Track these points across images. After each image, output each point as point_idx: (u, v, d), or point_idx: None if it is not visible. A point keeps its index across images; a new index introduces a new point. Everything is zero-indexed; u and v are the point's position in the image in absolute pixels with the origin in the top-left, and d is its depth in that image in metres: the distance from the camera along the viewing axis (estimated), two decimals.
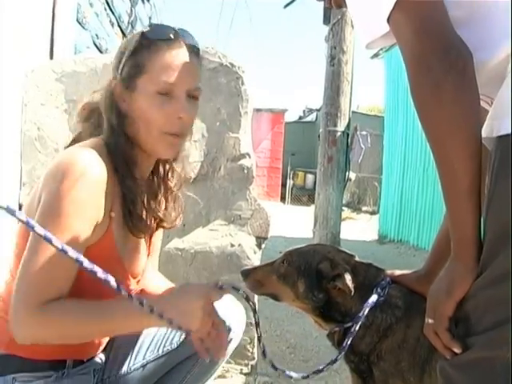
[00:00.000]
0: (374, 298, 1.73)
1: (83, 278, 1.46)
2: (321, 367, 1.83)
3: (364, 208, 18.77)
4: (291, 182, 22.19)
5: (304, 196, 21.42)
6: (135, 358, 1.89)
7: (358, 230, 12.48)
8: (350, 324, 1.75)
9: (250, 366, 3.12)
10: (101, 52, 4.66)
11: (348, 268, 1.78)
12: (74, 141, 1.67)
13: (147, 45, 1.55)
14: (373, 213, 16.67)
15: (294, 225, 11.65)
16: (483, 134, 1.17)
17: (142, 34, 1.57)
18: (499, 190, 1.12)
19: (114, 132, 1.58)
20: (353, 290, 1.72)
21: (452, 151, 1.15)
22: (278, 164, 21.97)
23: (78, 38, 4.08)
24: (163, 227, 1.84)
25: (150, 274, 1.94)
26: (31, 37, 3.25)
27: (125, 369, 1.88)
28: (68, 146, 1.65)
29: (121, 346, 1.87)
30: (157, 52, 1.55)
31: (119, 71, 1.58)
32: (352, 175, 17.90)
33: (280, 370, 1.80)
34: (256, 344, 3.12)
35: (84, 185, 1.41)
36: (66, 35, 3.72)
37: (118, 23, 5.46)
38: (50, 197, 1.42)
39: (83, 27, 4.20)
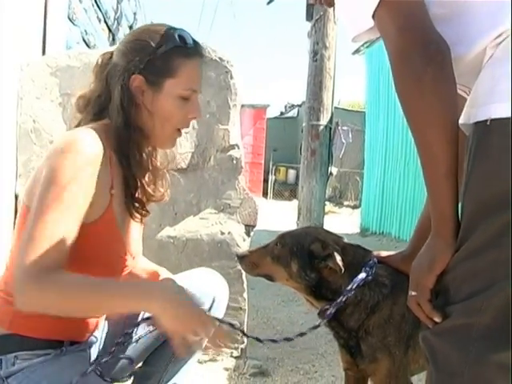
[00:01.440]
0: (362, 275, 1.83)
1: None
2: (305, 331, 1.94)
3: (346, 202, 18.83)
4: (273, 177, 22.18)
5: (286, 191, 21.44)
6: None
7: (340, 223, 12.54)
8: (339, 301, 1.84)
9: (240, 350, 3.23)
10: (89, 47, 4.72)
11: (338, 248, 1.87)
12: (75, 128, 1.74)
13: (182, 51, 1.68)
14: (354, 207, 16.72)
15: (277, 219, 11.70)
16: (461, 121, 1.26)
17: (177, 38, 1.68)
18: (476, 171, 1.21)
19: (125, 120, 1.66)
20: (343, 268, 1.81)
21: (432, 137, 1.24)
22: (260, 159, 21.95)
23: (69, 33, 4.14)
24: (153, 201, 1.91)
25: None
26: (25, 33, 3.31)
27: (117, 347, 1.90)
28: None
29: (114, 323, 1.94)
30: (189, 61, 1.69)
31: (143, 65, 1.65)
32: (334, 170, 17.92)
33: (257, 338, 1.91)
34: (246, 328, 3.22)
35: (79, 158, 1.51)
36: (58, 31, 3.78)
37: (104, 19, 5.52)
38: (48, 170, 1.51)
39: (73, 23, 4.26)
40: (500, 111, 1.16)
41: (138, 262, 2.02)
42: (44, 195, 1.48)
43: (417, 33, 1.22)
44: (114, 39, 6.00)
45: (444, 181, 1.26)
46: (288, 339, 1.95)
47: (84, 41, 4.67)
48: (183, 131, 1.82)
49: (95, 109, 1.72)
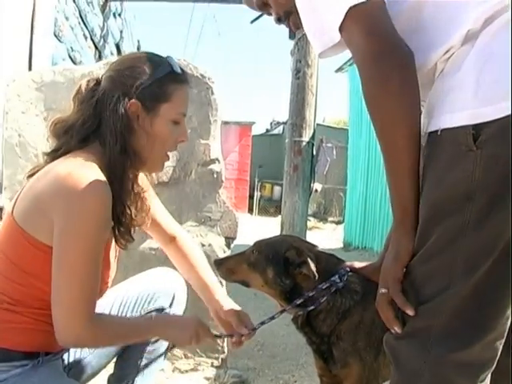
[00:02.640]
0: (335, 277, 1.89)
1: None
2: (265, 319, 2.03)
3: (330, 218, 18.80)
4: (259, 193, 22.16)
5: (271, 207, 21.37)
6: None
7: (324, 238, 12.59)
8: (312, 307, 1.90)
9: (220, 360, 3.28)
10: (75, 64, 4.77)
11: (312, 256, 1.92)
12: (55, 151, 1.76)
13: (175, 78, 1.78)
14: (338, 222, 16.69)
15: (262, 234, 11.69)
16: None
17: (167, 65, 1.77)
18: (428, 178, 1.30)
19: (123, 145, 1.71)
20: (317, 275, 1.87)
21: (397, 137, 1.30)
22: (246, 176, 21.98)
23: (55, 50, 4.20)
24: (134, 226, 1.90)
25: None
26: (12, 49, 3.38)
27: (85, 350, 1.99)
28: (49, 157, 1.76)
29: None
30: (181, 86, 1.79)
31: (137, 91, 1.71)
32: (318, 186, 17.97)
33: None
34: (226, 339, 3.28)
35: (96, 202, 1.58)
36: (44, 48, 3.84)
37: (91, 37, 5.58)
38: (67, 217, 1.57)
39: (59, 40, 4.32)
40: (449, 121, 1.25)
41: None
42: (72, 247, 1.58)
43: (383, 38, 1.28)
44: (100, 56, 6.06)
45: (407, 178, 1.32)
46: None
47: (70, 57, 4.73)
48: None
49: (80, 135, 1.73)
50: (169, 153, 1.87)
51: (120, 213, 1.75)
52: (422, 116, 1.36)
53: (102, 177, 1.61)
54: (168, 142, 1.81)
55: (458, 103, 1.25)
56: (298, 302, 1.91)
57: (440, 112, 1.29)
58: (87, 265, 1.59)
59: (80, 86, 1.79)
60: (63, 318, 1.59)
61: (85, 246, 1.58)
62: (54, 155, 1.74)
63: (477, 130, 1.19)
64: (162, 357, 2.22)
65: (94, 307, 1.65)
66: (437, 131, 1.28)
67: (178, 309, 2.18)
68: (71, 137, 1.73)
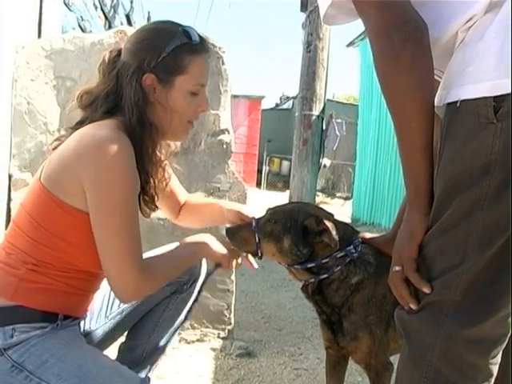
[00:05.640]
0: (349, 249, 1.89)
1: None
2: None
3: (338, 194, 18.78)
4: (267, 168, 22.11)
5: (279, 182, 21.29)
6: (111, 309, 2.02)
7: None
8: (325, 275, 1.88)
9: (226, 331, 3.30)
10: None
11: (332, 224, 1.87)
12: (80, 123, 1.78)
13: (190, 48, 1.75)
14: (346, 198, 16.68)
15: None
16: (435, 103, 1.31)
17: (184, 36, 1.74)
18: (446, 151, 1.26)
19: (139, 117, 1.71)
20: (338, 243, 1.83)
21: (409, 111, 1.27)
22: (255, 150, 21.91)
23: (64, 19, 4.18)
24: (157, 195, 1.92)
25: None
26: (21, 16, 3.36)
27: (101, 319, 2.01)
28: (74, 130, 1.76)
29: (96, 300, 1.98)
30: (198, 57, 1.77)
31: (154, 63, 1.71)
32: (327, 162, 17.93)
33: None
34: (233, 310, 3.30)
35: (127, 161, 1.61)
36: (54, 16, 3.82)
37: (101, 6, 5.55)
38: (97, 178, 1.59)
39: (69, 9, 4.30)
40: (469, 92, 1.20)
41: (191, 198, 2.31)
42: (109, 203, 1.60)
43: (396, 11, 1.25)
44: (110, 26, 6.02)
45: (420, 154, 1.30)
46: None
47: (80, 27, 4.71)
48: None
49: (104, 107, 1.75)
50: (194, 120, 1.88)
51: (144, 182, 1.76)
52: (440, 87, 1.33)
53: (125, 138, 1.65)
54: (187, 113, 1.81)
55: (480, 74, 1.21)
56: (309, 265, 1.89)
57: (460, 82, 1.24)
58: (124, 217, 1.61)
59: (104, 57, 1.81)
60: (116, 274, 1.64)
61: (119, 198, 1.60)
62: (79, 127, 1.75)
63: (498, 102, 1.15)
64: (175, 330, 2.21)
65: (141, 256, 1.68)
66: (456, 102, 1.23)
67: (199, 282, 2.17)
68: (96, 109, 1.75)
